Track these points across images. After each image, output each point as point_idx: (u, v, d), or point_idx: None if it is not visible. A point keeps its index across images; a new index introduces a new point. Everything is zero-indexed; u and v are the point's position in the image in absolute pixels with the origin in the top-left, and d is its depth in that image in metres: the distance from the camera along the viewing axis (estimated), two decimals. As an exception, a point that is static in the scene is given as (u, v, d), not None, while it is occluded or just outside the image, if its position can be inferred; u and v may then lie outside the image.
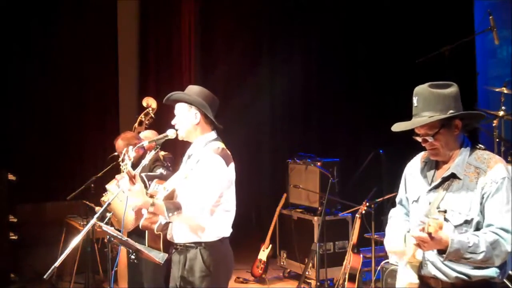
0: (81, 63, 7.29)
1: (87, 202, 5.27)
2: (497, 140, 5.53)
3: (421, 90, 2.56)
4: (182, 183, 3.19)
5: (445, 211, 2.33)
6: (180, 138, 3.27)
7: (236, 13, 7.97)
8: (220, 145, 3.23)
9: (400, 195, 2.85)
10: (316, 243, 5.23)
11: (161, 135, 3.27)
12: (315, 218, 6.04)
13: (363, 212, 5.18)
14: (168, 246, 3.24)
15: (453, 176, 2.53)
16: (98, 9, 7.37)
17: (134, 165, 4.26)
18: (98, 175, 5.09)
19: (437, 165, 2.64)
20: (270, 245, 6.40)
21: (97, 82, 7.40)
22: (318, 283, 5.35)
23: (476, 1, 7.90)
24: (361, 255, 5.33)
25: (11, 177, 5.87)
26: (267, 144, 8.31)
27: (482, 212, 2.45)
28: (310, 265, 5.69)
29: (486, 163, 2.50)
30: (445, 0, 7.59)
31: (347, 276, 5.30)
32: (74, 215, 6.20)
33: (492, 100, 7.04)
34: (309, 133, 8.30)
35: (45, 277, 2.83)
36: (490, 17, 5.84)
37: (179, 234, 3.19)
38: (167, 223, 3.21)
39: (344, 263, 5.34)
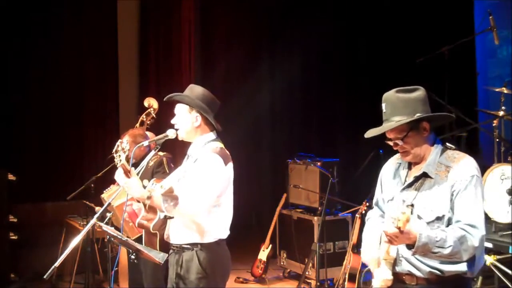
0: (81, 63, 7.29)
1: (87, 202, 5.26)
2: (497, 140, 5.53)
3: (389, 96, 2.66)
4: (180, 181, 3.18)
5: (412, 205, 2.43)
6: (179, 138, 3.27)
7: (236, 12, 7.98)
8: (219, 145, 3.23)
9: (377, 196, 2.95)
10: (316, 243, 5.23)
11: (161, 135, 3.27)
12: (315, 218, 6.04)
13: (363, 212, 5.17)
14: (166, 246, 3.23)
15: (424, 175, 2.63)
16: (98, 9, 7.37)
17: (137, 164, 4.27)
18: (98, 175, 5.09)
19: (410, 165, 2.74)
20: (270, 245, 6.40)
21: (97, 82, 7.40)
22: (318, 283, 5.35)
23: (476, 1, 7.90)
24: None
25: (11, 177, 5.87)
26: (267, 144, 8.31)
27: (452, 208, 2.54)
28: (310, 265, 5.69)
29: (456, 162, 2.59)
30: (445, 0, 7.59)
31: (347, 276, 5.30)
32: (74, 215, 6.19)
33: (492, 100, 7.05)
34: (309, 133, 8.30)
35: (45, 277, 2.84)
36: (490, 17, 5.84)
37: (176, 234, 3.18)
38: (164, 223, 3.19)
39: (344, 263, 5.34)
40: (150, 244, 3.26)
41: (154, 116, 4.99)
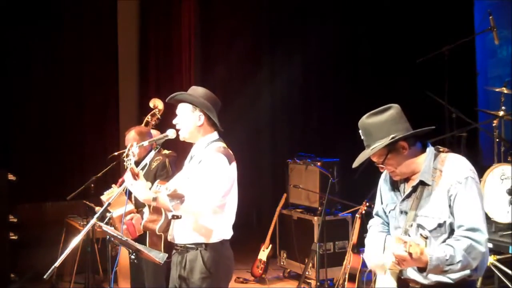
0: (81, 63, 7.29)
1: (87, 202, 5.26)
2: (497, 140, 5.53)
3: (361, 123, 2.65)
4: (185, 182, 3.18)
5: (426, 237, 2.37)
6: (181, 138, 3.26)
7: (236, 13, 7.97)
8: (222, 144, 3.23)
9: (377, 207, 2.92)
10: (316, 243, 5.23)
11: (161, 135, 3.27)
12: (315, 218, 6.04)
13: (363, 212, 5.18)
14: (170, 247, 3.23)
15: (422, 183, 2.60)
16: (98, 9, 7.37)
17: (138, 163, 4.26)
18: (98, 175, 5.09)
19: None
20: (270, 245, 6.40)
21: (97, 82, 7.40)
22: (318, 283, 5.35)
23: (476, 1, 7.91)
24: (361, 255, 5.33)
25: (11, 177, 5.87)
26: (267, 144, 8.30)
27: (452, 213, 2.52)
28: (310, 265, 5.69)
29: (450, 165, 2.56)
30: (445, 0, 7.59)
31: (347, 276, 5.30)
32: (74, 215, 6.19)
33: (492, 100, 7.05)
34: (309, 133, 8.30)
35: (45, 277, 2.83)
36: (490, 17, 5.85)
37: (181, 234, 3.18)
38: (169, 224, 3.20)
39: (344, 263, 5.34)
40: (154, 246, 3.26)
41: (159, 117, 4.97)
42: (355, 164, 2.66)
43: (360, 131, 2.65)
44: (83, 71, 7.32)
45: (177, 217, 3.09)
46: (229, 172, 3.15)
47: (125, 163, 3.02)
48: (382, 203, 2.86)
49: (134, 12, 7.80)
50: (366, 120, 2.61)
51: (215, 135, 3.26)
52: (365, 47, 8.19)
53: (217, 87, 7.51)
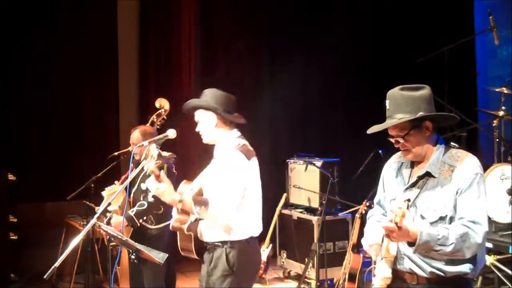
0: (81, 63, 7.28)
1: (87, 202, 5.27)
2: (497, 140, 5.53)
3: (393, 93, 2.66)
4: (207, 182, 3.22)
5: (408, 200, 2.41)
6: (205, 142, 3.35)
7: (236, 12, 7.97)
8: (241, 141, 3.29)
9: (379, 195, 2.93)
10: (316, 243, 5.23)
11: (161, 135, 3.28)
12: (315, 218, 6.04)
13: (363, 212, 5.18)
14: (201, 246, 3.25)
15: (428, 174, 2.61)
16: (98, 9, 7.36)
17: (137, 163, 4.25)
18: (98, 175, 5.09)
19: (412, 164, 2.72)
20: (270, 245, 6.40)
21: (97, 82, 7.39)
22: (318, 283, 5.35)
23: (476, 1, 7.91)
24: (361, 255, 5.33)
25: (11, 177, 5.87)
26: (267, 144, 8.30)
27: (455, 207, 2.53)
28: (310, 265, 5.69)
29: (459, 161, 2.58)
30: (445, 0, 7.59)
31: (347, 276, 5.30)
32: (74, 215, 6.20)
33: (492, 100, 7.05)
34: (309, 133, 8.29)
35: (45, 277, 2.83)
36: (490, 17, 5.85)
37: (207, 233, 3.22)
38: (197, 223, 3.22)
39: (344, 263, 5.34)
40: (185, 245, 3.28)
41: (165, 117, 4.95)
42: (372, 130, 2.68)
43: (387, 101, 2.66)
44: (83, 71, 7.31)
45: (200, 218, 3.15)
46: (246, 167, 3.18)
47: (145, 166, 3.02)
48: (384, 191, 2.86)
49: (134, 12, 7.80)
50: (400, 91, 2.64)
51: (235, 132, 3.35)
52: (365, 47, 8.18)
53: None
